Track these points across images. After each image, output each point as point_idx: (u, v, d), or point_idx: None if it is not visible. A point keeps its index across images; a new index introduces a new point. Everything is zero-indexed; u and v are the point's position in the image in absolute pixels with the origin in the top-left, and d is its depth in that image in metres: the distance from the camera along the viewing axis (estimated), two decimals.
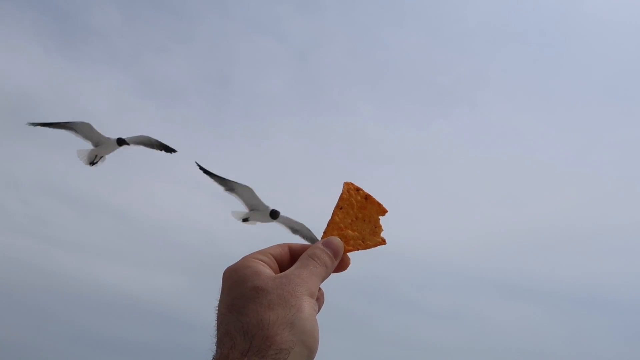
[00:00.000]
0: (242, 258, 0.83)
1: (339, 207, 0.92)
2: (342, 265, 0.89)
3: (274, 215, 9.28)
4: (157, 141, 9.43)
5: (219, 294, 0.81)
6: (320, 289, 0.84)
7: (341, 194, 0.92)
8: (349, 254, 0.90)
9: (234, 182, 9.24)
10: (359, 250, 0.91)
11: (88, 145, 9.01)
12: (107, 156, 9.23)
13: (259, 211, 9.32)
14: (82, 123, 8.81)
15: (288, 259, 0.87)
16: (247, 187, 9.21)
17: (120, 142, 9.03)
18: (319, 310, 0.83)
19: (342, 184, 0.94)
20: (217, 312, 0.79)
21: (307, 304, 0.77)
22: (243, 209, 9.45)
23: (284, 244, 0.88)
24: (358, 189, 0.93)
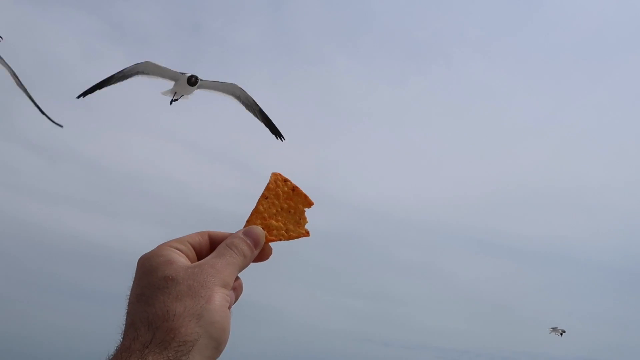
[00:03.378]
0: (158, 246, 0.81)
1: (264, 196, 0.91)
2: (262, 255, 0.88)
3: (191, 81, 7.88)
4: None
5: (132, 282, 0.79)
6: (238, 278, 0.84)
7: (268, 184, 0.91)
8: (271, 244, 0.90)
9: (127, 68, 7.86)
10: (281, 241, 0.91)
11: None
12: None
13: (178, 82, 7.98)
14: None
15: (208, 247, 0.85)
16: (147, 62, 7.87)
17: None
18: (235, 301, 0.82)
19: (268, 173, 0.93)
20: (127, 300, 0.78)
21: (219, 295, 0.76)
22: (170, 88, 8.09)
23: (204, 232, 0.87)
24: (286, 180, 0.92)
